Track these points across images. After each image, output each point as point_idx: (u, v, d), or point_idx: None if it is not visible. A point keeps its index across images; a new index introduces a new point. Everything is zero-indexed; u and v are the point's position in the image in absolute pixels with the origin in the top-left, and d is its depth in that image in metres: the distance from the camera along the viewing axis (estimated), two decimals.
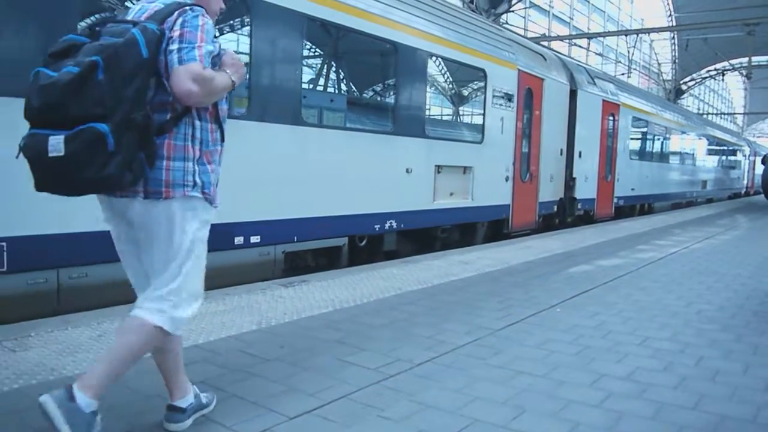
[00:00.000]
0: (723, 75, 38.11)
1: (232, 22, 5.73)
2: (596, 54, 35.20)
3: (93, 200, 2.30)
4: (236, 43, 5.71)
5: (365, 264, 6.61)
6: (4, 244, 3.86)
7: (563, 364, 3.35)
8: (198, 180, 2.26)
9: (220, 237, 4.98)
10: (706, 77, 45.01)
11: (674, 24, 41.16)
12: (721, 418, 2.68)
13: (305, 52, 6.22)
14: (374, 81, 7.96)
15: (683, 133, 20.66)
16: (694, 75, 45.69)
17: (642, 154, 16.65)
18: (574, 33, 34.08)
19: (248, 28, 5.47)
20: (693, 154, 22.36)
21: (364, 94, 8.00)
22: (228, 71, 2.26)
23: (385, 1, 6.96)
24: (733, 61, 34.56)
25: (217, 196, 2.37)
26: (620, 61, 37.77)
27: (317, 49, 6.93)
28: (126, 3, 4.51)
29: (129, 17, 2.28)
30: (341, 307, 4.49)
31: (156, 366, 2.45)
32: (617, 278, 6.06)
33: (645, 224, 12.48)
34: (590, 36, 30.66)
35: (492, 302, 4.79)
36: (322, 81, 7.14)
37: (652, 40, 47.07)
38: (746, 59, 27.90)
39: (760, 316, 4.65)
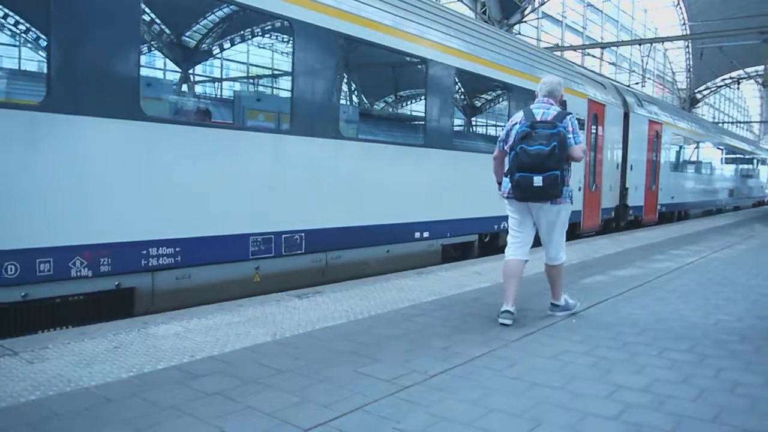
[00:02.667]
0: (738, 83, 37.83)
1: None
2: (610, 63, 35.06)
3: None
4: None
5: (489, 256, 8.32)
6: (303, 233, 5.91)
7: (579, 376, 3.31)
8: (570, 194, 4.54)
9: (405, 233, 7.29)
10: (722, 86, 44.65)
11: (688, 32, 40.91)
12: (742, 431, 2.63)
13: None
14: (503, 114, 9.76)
15: (712, 145, 22.60)
16: (709, 84, 45.33)
17: (679, 166, 18.67)
18: (587, 43, 34.00)
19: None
20: (721, 165, 24.35)
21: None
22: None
23: (500, 52, 9.05)
24: (748, 69, 34.27)
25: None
26: (634, 71, 37.60)
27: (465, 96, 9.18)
28: None
29: (539, 117, 4.39)
30: (355, 318, 4.48)
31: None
32: (633, 289, 6.00)
33: (661, 234, 12.37)
34: (603, 45, 30.50)
35: None
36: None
37: (666, 49, 46.77)
38: (762, 67, 27.69)
39: None
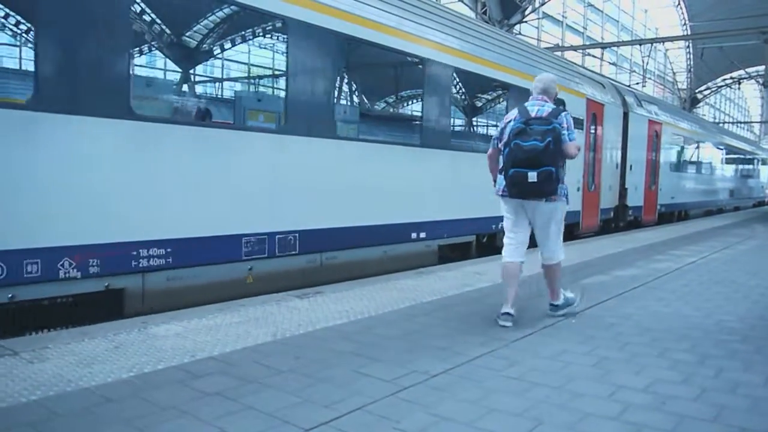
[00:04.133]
0: (739, 83, 37.86)
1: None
2: (610, 64, 35.06)
3: None
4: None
5: (487, 256, 8.20)
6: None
7: (580, 376, 3.31)
8: (566, 192, 4.53)
9: (402, 233, 7.28)
10: (722, 86, 44.65)
11: (689, 33, 40.90)
12: (742, 431, 2.63)
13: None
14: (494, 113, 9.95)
15: (713, 145, 22.50)
16: (710, 84, 45.33)
17: (679, 166, 18.53)
18: (587, 43, 33.99)
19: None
20: (722, 165, 24.22)
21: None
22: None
23: (498, 50, 9.05)
24: (749, 69, 34.26)
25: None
26: (635, 71, 37.59)
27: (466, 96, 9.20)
28: None
29: (533, 114, 4.36)
30: (356, 318, 4.48)
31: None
32: (634, 289, 5.99)
33: (662, 234, 12.36)
34: (604, 46, 30.52)
35: None
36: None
37: (666, 49, 46.75)
38: (763, 67, 27.69)
39: None
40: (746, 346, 4.01)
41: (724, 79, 43.08)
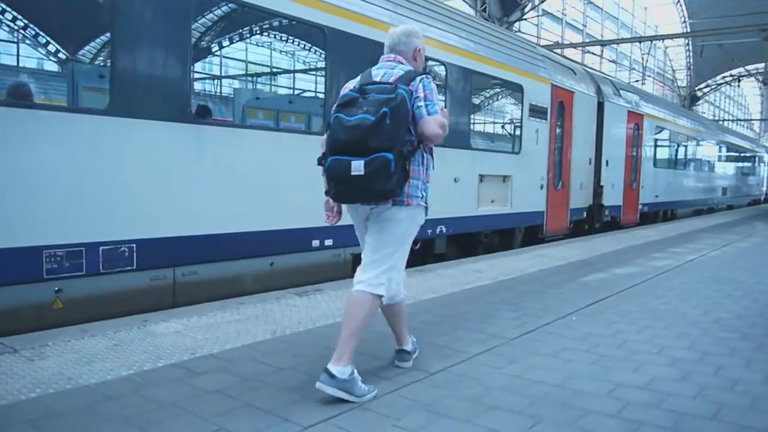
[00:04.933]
0: (739, 81, 37.77)
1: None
2: (610, 61, 35.04)
3: None
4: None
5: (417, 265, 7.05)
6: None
7: (579, 374, 3.32)
8: (424, 196, 3.11)
9: (299, 240, 5.90)
10: (722, 83, 44.61)
11: (688, 30, 40.87)
12: (742, 429, 2.63)
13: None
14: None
15: (703, 140, 21.31)
16: (710, 81, 45.28)
17: (665, 162, 17.23)
18: (587, 40, 33.97)
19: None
20: (713, 162, 22.96)
21: None
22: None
23: (439, 27, 7.81)
24: (749, 67, 34.24)
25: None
26: (634, 68, 37.57)
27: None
28: None
29: (378, 78, 3.08)
30: None
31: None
32: (633, 287, 6.00)
33: (660, 232, 12.37)
34: (603, 43, 30.48)
35: (506, 311, 4.76)
36: None
37: (666, 47, 46.70)
38: (762, 65, 27.68)
39: None
40: (746, 343, 4.01)
41: (724, 77, 43.01)
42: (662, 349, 3.83)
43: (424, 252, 7.64)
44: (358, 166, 2.75)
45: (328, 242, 6.19)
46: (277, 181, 5.68)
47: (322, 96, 6.32)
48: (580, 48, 30.56)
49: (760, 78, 30.88)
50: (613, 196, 13.12)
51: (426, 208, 3.15)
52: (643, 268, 7.24)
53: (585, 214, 12.13)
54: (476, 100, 8.82)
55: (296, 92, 6.81)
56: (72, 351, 3.43)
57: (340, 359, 2.85)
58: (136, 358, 3.34)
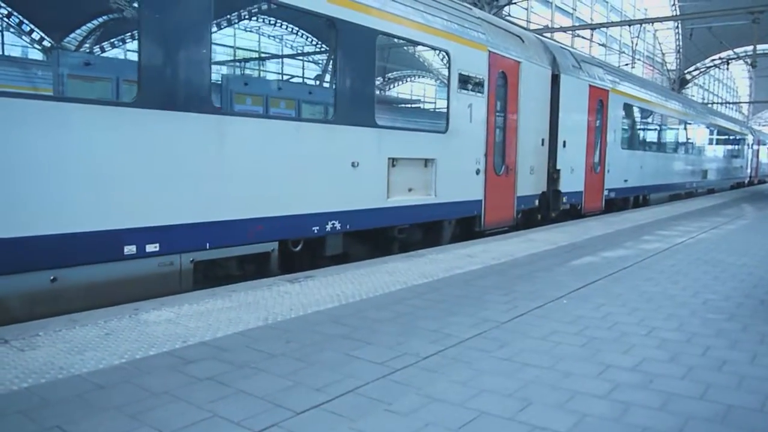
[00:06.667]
0: (728, 64, 37.91)
1: None
2: (600, 45, 35.01)
3: None
4: None
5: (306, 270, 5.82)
6: None
7: (569, 356, 3.35)
8: None
9: (101, 247, 4.40)
10: (711, 66, 44.71)
11: (678, 13, 40.88)
12: (729, 408, 2.68)
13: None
14: (306, 61, 7.26)
15: (682, 121, 19.74)
16: (699, 64, 45.39)
17: (636, 144, 15.74)
18: (577, 24, 33.90)
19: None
20: (692, 143, 21.41)
21: (287, 76, 7.42)
22: None
23: None
24: (737, 50, 34.31)
25: None
26: (624, 52, 37.58)
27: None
28: None
29: None
30: (347, 302, 4.50)
31: None
32: (623, 269, 6.04)
33: (649, 215, 12.44)
34: (593, 27, 30.40)
35: (497, 295, 4.79)
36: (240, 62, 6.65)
37: (656, 30, 46.78)
38: (751, 48, 27.73)
39: (767, 305, 4.64)
40: (733, 324, 4.06)
41: (713, 60, 43.10)
42: (651, 330, 3.87)
43: (313, 254, 6.40)
44: None
45: (153, 248, 4.72)
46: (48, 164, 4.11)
47: None
48: (570, 32, 30.49)
49: (749, 61, 30.90)
50: (572, 182, 11.59)
51: None
52: (633, 251, 7.29)
53: (537, 202, 10.60)
54: (384, 69, 7.42)
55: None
56: (63, 341, 3.42)
57: None
58: (127, 347, 3.34)
